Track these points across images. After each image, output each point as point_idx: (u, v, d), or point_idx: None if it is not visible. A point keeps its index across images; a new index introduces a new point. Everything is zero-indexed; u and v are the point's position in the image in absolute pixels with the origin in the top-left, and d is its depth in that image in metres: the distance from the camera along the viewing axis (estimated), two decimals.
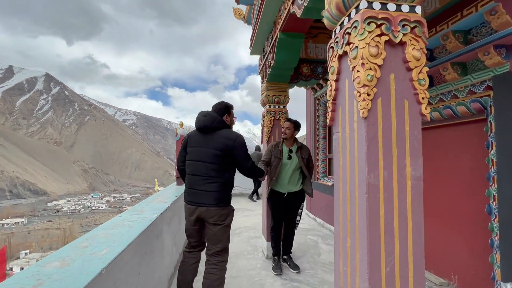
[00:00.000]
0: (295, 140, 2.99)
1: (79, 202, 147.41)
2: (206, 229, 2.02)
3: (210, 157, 1.96)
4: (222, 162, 1.98)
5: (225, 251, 2.06)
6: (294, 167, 2.88)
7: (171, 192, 3.32)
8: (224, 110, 2.15)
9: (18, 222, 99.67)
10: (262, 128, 3.57)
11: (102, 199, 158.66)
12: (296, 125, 2.93)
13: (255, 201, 7.30)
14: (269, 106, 3.38)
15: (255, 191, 7.45)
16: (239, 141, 2.01)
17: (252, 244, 3.84)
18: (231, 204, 2.10)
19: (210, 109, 2.17)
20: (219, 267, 2.00)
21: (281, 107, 3.40)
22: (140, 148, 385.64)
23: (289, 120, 2.95)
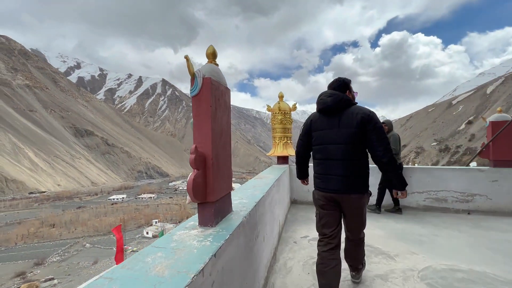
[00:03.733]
0: None
1: None
2: (345, 217, 1.90)
3: (345, 138, 1.75)
4: (359, 141, 1.75)
5: (363, 233, 2.01)
6: None
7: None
8: (344, 86, 1.92)
9: (151, 197, 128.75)
10: None
11: None
12: None
13: (378, 213, 4.12)
14: None
15: (380, 199, 4.23)
16: (374, 115, 1.78)
17: None
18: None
19: (325, 91, 1.92)
20: (360, 244, 2.00)
21: None
22: (234, 137, 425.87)
23: None
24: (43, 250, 52.20)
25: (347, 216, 1.87)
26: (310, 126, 1.94)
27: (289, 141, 4.94)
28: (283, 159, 4.96)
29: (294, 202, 4.86)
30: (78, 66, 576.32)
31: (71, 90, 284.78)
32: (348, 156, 1.73)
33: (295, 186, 4.83)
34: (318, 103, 1.89)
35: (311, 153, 2.01)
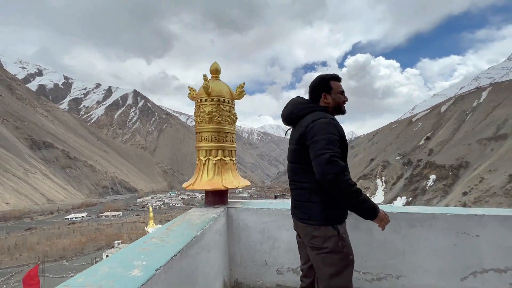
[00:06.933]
0: None
1: (160, 199, 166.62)
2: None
3: (291, 155, 1.52)
4: (305, 159, 1.40)
5: None
6: None
7: None
8: (319, 88, 1.52)
9: (115, 215, 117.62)
10: None
11: (178, 196, 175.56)
12: None
13: None
14: None
15: None
16: (316, 124, 1.36)
17: None
18: (336, 224, 1.40)
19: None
20: None
21: None
22: None
23: None
24: None
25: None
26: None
27: (228, 159, 2.40)
28: (215, 196, 2.34)
29: (236, 287, 2.32)
30: (39, 73, 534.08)
31: (29, 99, 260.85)
32: (295, 177, 1.57)
33: (240, 251, 2.29)
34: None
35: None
